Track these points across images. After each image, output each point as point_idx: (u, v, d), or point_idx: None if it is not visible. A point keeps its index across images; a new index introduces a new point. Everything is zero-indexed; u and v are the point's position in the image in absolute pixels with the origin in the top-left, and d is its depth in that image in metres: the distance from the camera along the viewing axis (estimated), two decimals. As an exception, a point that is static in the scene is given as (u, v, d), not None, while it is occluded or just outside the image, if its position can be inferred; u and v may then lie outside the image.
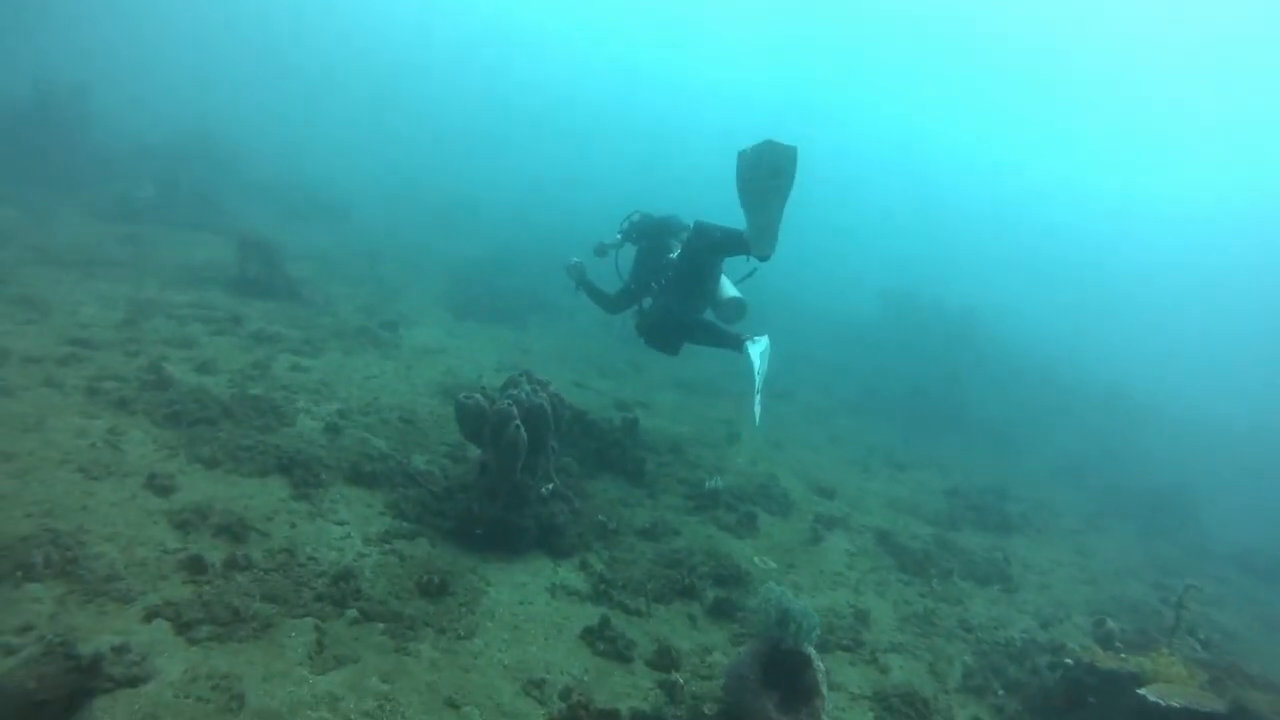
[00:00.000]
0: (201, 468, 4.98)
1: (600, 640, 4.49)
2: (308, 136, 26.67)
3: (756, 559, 6.31)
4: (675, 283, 6.90)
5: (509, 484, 5.18)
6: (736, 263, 6.89)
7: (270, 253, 9.86)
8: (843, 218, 42.62)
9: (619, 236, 7.58)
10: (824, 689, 3.95)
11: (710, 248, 6.79)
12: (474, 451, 5.75)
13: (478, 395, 5.30)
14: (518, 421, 5.00)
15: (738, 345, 6.66)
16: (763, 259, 6.53)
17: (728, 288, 7.12)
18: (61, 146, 13.61)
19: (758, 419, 6.41)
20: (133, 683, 3.16)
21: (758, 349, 6.65)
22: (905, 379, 17.16)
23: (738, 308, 7.19)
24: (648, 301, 7.05)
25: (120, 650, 3.24)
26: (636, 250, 7.29)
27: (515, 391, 5.29)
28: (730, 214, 6.56)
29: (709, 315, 7.53)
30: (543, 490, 5.46)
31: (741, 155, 6.26)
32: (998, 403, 17.76)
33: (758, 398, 6.53)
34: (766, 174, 6.20)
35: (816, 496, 8.33)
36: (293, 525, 4.71)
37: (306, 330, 8.56)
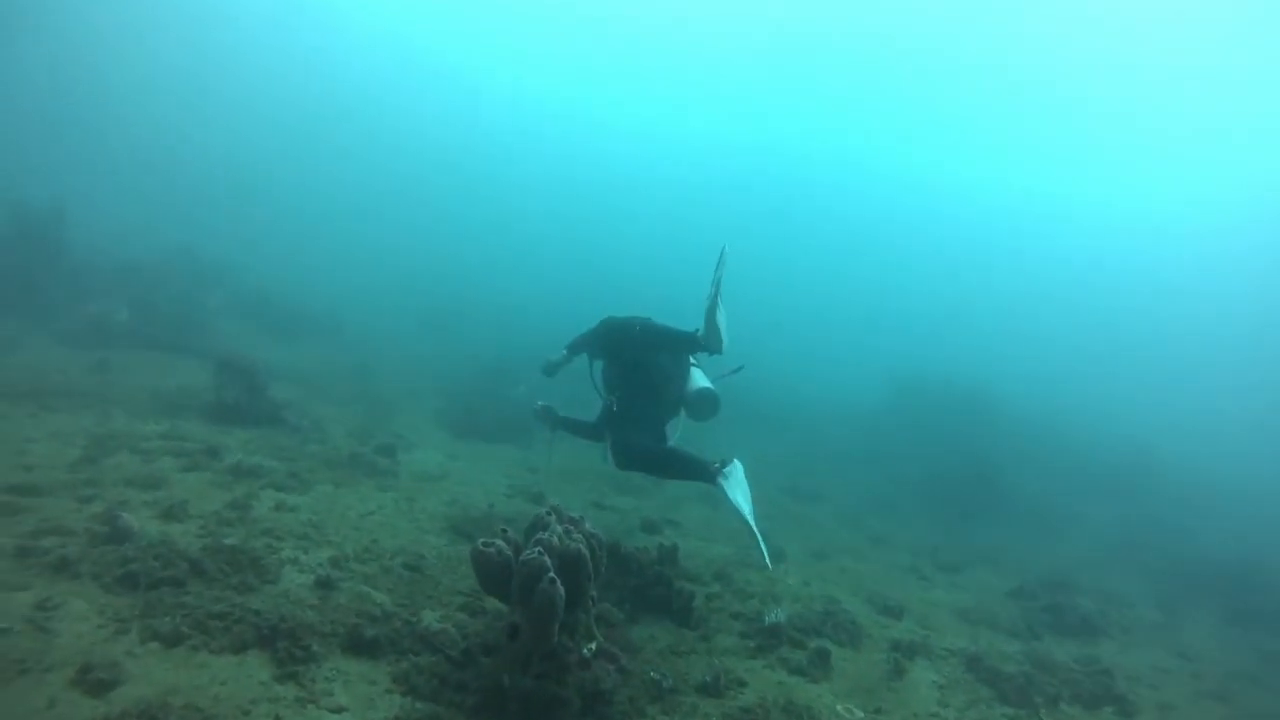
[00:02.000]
0: (159, 647, 3.94)
1: None
2: (294, 246, 26.25)
3: (840, 708, 5.23)
4: (626, 397, 6.54)
5: (545, 649, 4.16)
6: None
7: (251, 375, 8.99)
8: (833, 301, 42.56)
9: (565, 352, 7.25)
10: None
11: (644, 345, 6.63)
12: (494, 601, 4.77)
13: (499, 541, 4.33)
14: (552, 575, 4.02)
15: (710, 478, 5.98)
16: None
17: (698, 380, 6.69)
18: (42, 272, 12.89)
19: (767, 560, 5.90)
20: None
21: (733, 482, 6.03)
22: (927, 465, 16.41)
23: (709, 402, 6.64)
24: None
25: None
26: (603, 366, 6.97)
27: (544, 535, 4.32)
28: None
29: (680, 421, 6.92)
30: (584, 651, 4.43)
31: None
32: (1026, 479, 16.91)
33: (758, 535, 5.91)
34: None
35: (884, 618, 7.27)
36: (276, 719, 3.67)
37: (292, 461, 7.59)
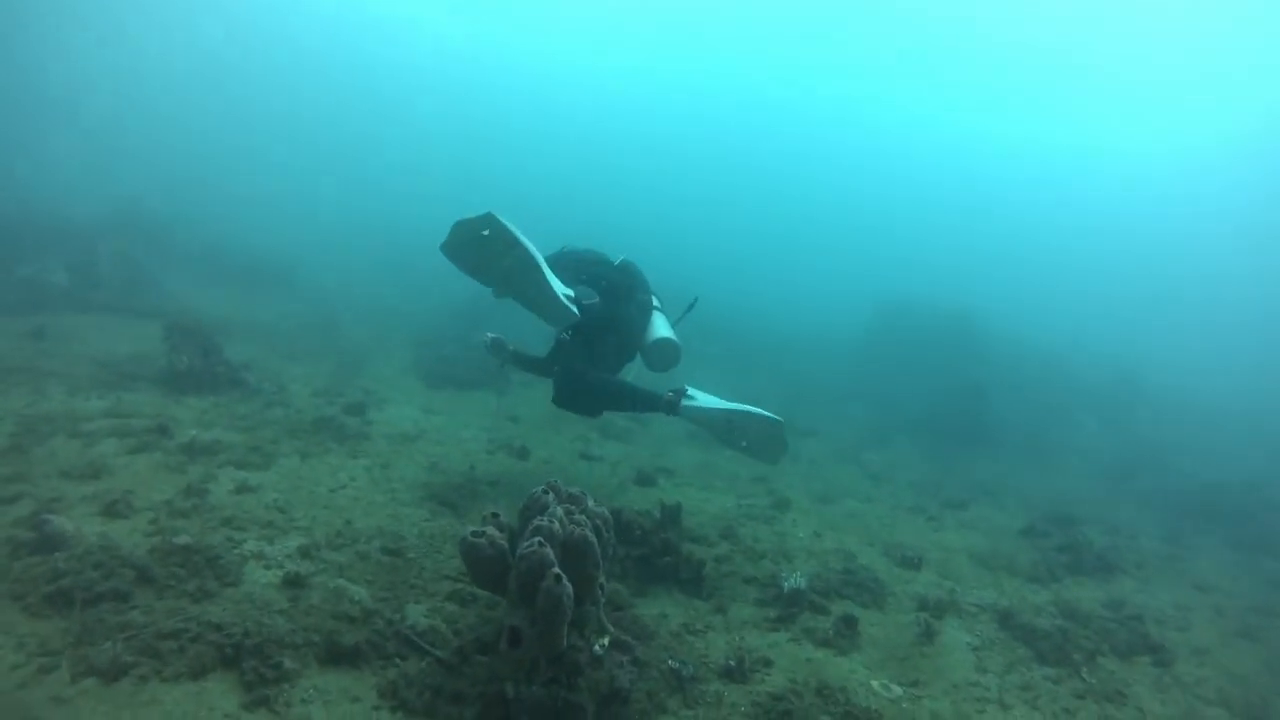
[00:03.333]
0: (97, 684, 3.32)
1: None
2: (249, 195, 24.94)
3: (876, 684, 4.77)
4: (585, 333, 6.24)
5: (553, 653, 3.61)
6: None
7: (205, 336, 8.22)
8: (813, 229, 41.88)
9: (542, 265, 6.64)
10: None
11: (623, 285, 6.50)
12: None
13: (489, 530, 3.73)
14: (557, 571, 3.44)
15: (668, 408, 5.80)
16: (566, 330, 6.20)
17: (659, 328, 6.46)
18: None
19: (777, 417, 5.95)
20: None
21: (702, 397, 5.87)
22: (918, 395, 16.24)
23: (669, 350, 6.42)
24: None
25: None
26: None
27: (543, 521, 3.72)
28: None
29: (636, 364, 6.72)
30: (596, 648, 3.89)
31: (444, 249, 5.98)
32: (1015, 407, 16.66)
33: (752, 409, 5.82)
34: (488, 256, 5.80)
35: (902, 570, 6.82)
36: (245, 762, 3.10)
37: (253, 431, 6.89)
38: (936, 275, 31.05)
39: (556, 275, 6.47)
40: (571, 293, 6.31)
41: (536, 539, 3.56)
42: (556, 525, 3.72)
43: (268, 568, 4.51)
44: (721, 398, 6.14)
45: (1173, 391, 20.75)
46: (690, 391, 5.98)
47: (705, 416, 5.95)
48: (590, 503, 4.09)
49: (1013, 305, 27.05)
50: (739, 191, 49.22)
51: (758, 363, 18.61)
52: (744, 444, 6.28)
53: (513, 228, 5.80)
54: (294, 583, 4.36)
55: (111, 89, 31.25)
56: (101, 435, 6.04)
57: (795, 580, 5.61)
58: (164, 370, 7.94)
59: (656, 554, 5.46)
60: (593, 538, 3.76)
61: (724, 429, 6.15)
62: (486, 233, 5.72)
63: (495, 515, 3.89)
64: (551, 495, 3.99)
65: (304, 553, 4.76)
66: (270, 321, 12.23)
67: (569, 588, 3.46)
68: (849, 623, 5.35)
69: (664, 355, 6.56)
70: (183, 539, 4.44)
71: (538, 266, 5.95)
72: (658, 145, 52.85)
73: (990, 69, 56.25)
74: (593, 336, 6.34)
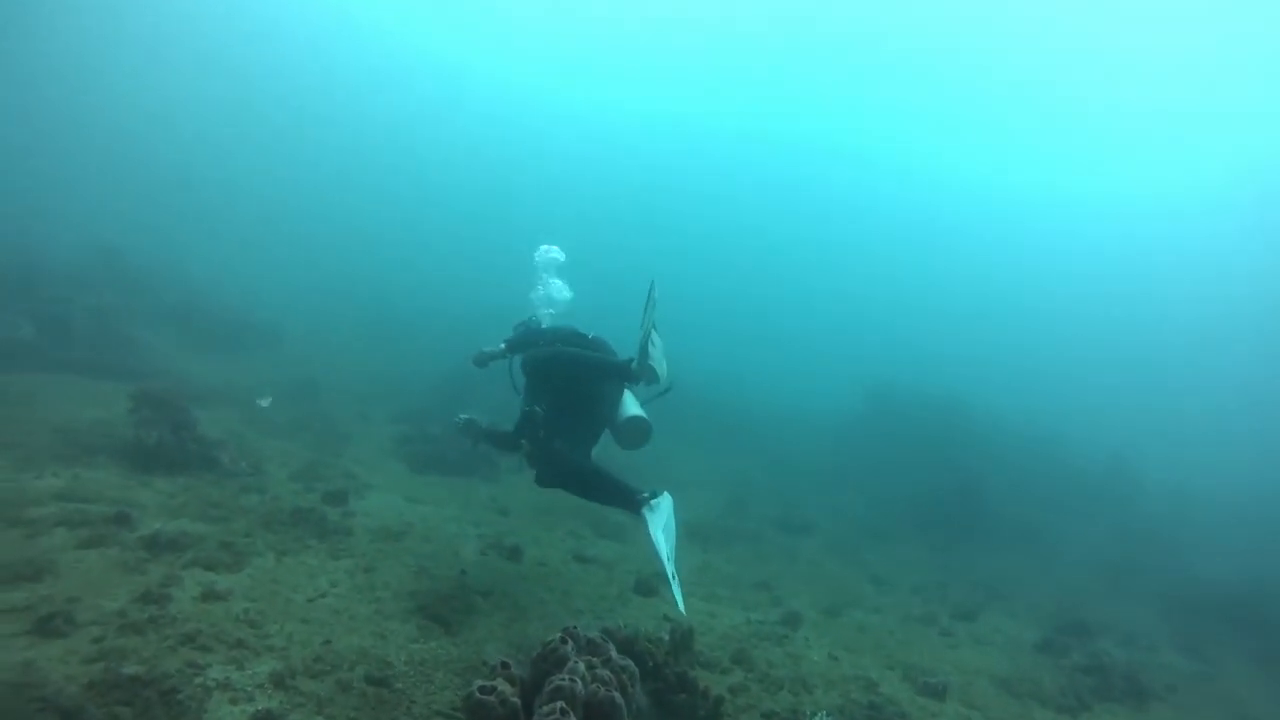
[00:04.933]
0: None
1: None
2: (234, 250, 24.44)
3: None
4: (559, 410, 6.06)
5: (575, 840, 3.04)
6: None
7: (177, 409, 7.63)
8: (798, 308, 41.99)
9: (503, 345, 6.87)
10: None
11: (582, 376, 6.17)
12: None
13: (500, 685, 3.18)
14: (588, 747, 2.90)
15: (634, 507, 5.50)
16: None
17: (629, 406, 6.28)
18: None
19: (681, 605, 5.38)
20: None
21: (659, 517, 5.43)
22: (910, 484, 15.96)
23: (639, 430, 6.20)
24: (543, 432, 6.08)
25: None
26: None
27: (564, 680, 3.18)
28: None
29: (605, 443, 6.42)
30: (621, 825, 3.31)
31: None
32: (1008, 495, 16.35)
33: (673, 581, 5.30)
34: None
35: (927, 700, 6.27)
36: None
37: (226, 522, 6.27)
38: (923, 359, 30.98)
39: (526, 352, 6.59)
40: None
41: (559, 704, 3.02)
42: (579, 685, 3.18)
43: (234, 701, 3.88)
44: (673, 536, 5.60)
45: (1167, 480, 20.50)
46: (656, 504, 5.50)
47: (647, 539, 5.45)
48: (613, 652, 3.56)
49: (1002, 391, 26.91)
50: (722, 265, 49.40)
51: (743, 443, 18.21)
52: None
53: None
54: (264, 723, 3.75)
55: (87, 135, 30.82)
56: (50, 524, 5.40)
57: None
58: (130, 444, 7.31)
59: (671, 689, 4.88)
60: (620, 699, 3.23)
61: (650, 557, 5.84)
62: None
63: (505, 665, 3.35)
64: (570, 645, 3.46)
65: (277, 681, 4.14)
66: (249, 388, 11.63)
67: (599, 767, 2.92)
68: (881, 772, 4.78)
69: (634, 434, 6.29)
70: (131, 668, 3.83)
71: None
72: (646, 207, 53.10)
73: (981, 122, 57.03)
74: (566, 412, 6.12)
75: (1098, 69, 51.63)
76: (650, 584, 7.58)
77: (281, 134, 42.17)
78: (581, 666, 3.31)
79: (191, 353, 13.22)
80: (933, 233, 53.71)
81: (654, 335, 5.84)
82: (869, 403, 22.01)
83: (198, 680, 3.96)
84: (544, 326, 7.14)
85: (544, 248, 8.04)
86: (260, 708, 3.85)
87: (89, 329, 11.55)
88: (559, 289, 7.93)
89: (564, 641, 3.45)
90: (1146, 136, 53.00)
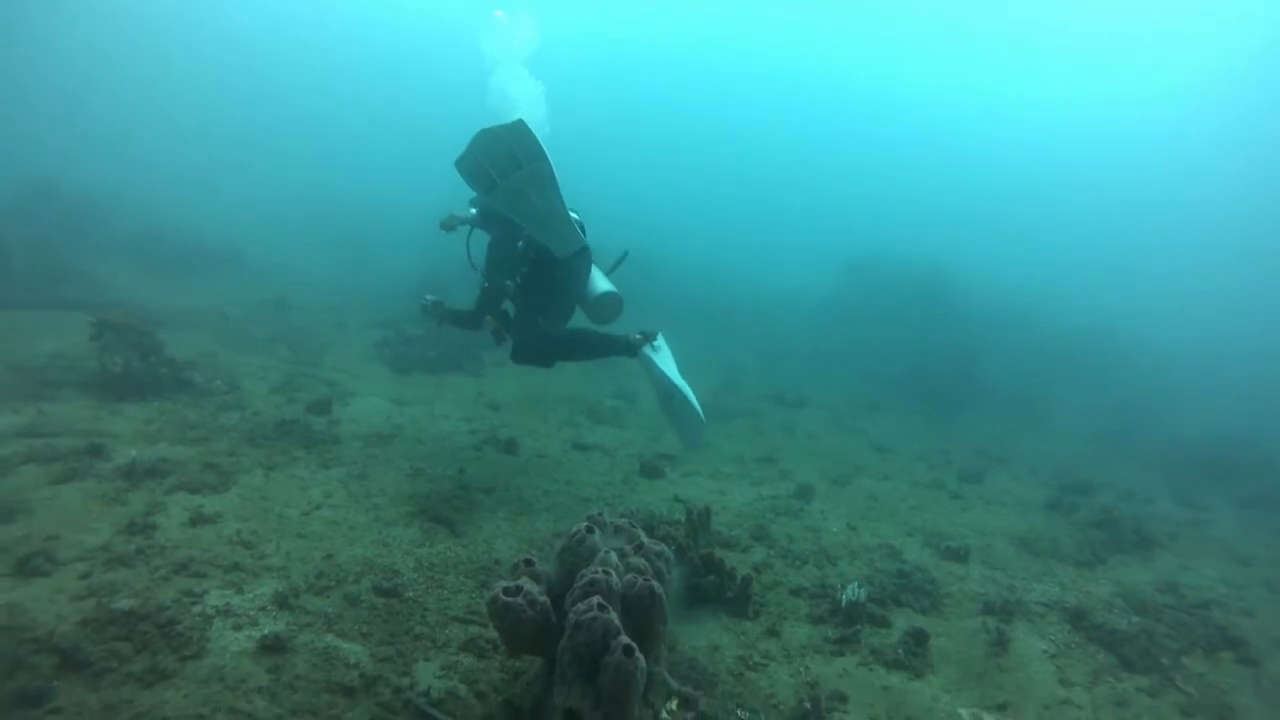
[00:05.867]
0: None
1: None
2: (180, 174, 23.23)
3: (965, 713, 4.09)
4: (532, 285, 5.99)
5: (621, 737, 2.82)
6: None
7: (141, 332, 7.16)
8: (778, 187, 41.22)
9: (473, 211, 6.66)
10: None
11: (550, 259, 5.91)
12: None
13: (526, 583, 2.91)
14: (626, 641, 2.64)
15: (629, 350, 5.77)
16: (565, 256, 5.76)
17: (599, 282, 6.31)
18: None
19: (702, 415, 5.86)
20: None
21: (662, 353, 5.78)
22: (900, 358, 16.05)
23: (612, 304, 6.24)
24: (509, 306, 6.20)
25: None
26: (489, 239, 6.42)
27: (597, 573, 2.89)
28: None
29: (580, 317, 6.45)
30: (664, 716, 3.11)
31: (461, 164, 5.29)
32: (998, 365, 16.39)
33: (691, 398, 5.70)
34: (507, 168, 5.18)
35: (951, 564, 6.18)
36: None
37: (206, 443, 5.92)
38: (904, 231, 30.62)
39: (493, 222, 6.35)
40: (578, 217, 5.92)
41: (595, 600, 2.74)
42: (614, 577, 2.91)
43: (238, 627, 3.62)
44: (678, 370, 5.94)
45: (1150, 343, 20.68)
46: (659, 343, 5.82)
47: (655, 376, 5.78)
48: (644, 537, 3.28)
49: (983, 260, 26.73)
50: (701, 153, 48.17)
51: (730, 325, 17.99)
52: (669, 418, 6.33)
53: (539, 140, 5.17)
54: (273, 647, 3.49)
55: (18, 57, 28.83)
56: (17, 462, 5.03)
57: (853, 592, 4.90)
58: (94, 374, 6.87)
59: (698, 572, 4.70)
60: (659, 589, 2.96)
61: (663, 398, 6.03)
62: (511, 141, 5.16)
63: (529, 563, 3.06)
64: (598, 533, 3.18)
65: (281, 602, 3.88)
66: (217, 308, 11.08)
67: (642, 661, 2.66)
68: (919, 638, 4.66)
69: (606, 308, 6.29)
70: (124, 602, 3.54)
71: (554, 180, 5.32)
72: (614, 108, 51.25)
73: (953, 27, 55.37)
74: (535, 288, 6.01)
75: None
76: (654, 466, 7.41)
77: (226, 61, 39.73)
78: (614, 556, 3.04)
79: (149, 280, 12.56)
80: (912, 147, 52.42)
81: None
82: (851, 275, 21.77)
83: (196, 609, 3.69)
84: None
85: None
86: (267, 631, 3.58)
87: (33, 263, 10.88)
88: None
89: (590, 530, 3.16)
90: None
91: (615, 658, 2.63)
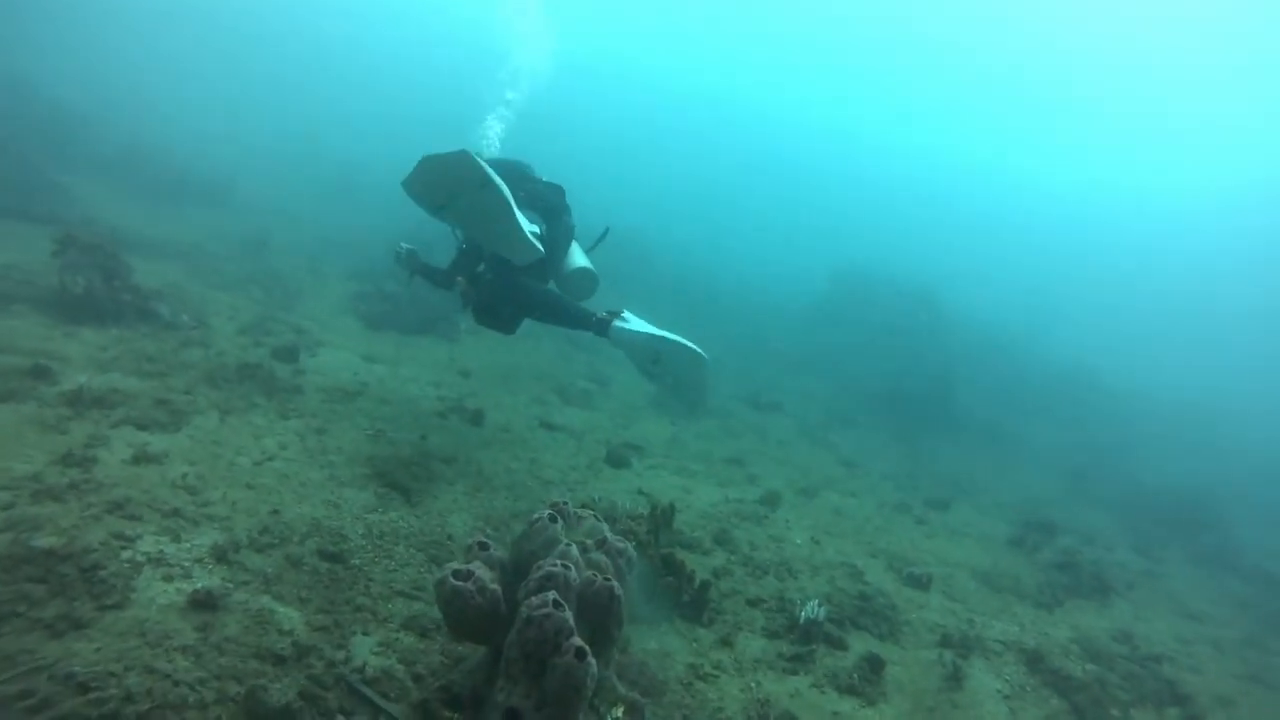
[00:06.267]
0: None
1: None
2: (174, 98, 22.55)
3: (912, 750, 3.99)
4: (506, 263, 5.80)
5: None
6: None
7: (109, 254, 6.86)
8: (770, 186, 41.10)
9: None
10: None
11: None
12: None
13: (478, 568, 2.73)
14: (579, 643, 2.47)
15: (599, 327, 5.56)
16: (527, 263, 5.61)
17: (576, 257, 6.22)
18: None
19: (701, 350, 5.46)
20: None
21: (632, 324, 5.56)
22: (874, 369, 16.18)
23: (587, 280, 6.14)
24: (482, 268, 6.04)
25: None
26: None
27: (553, 565, 2.72)
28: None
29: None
30: (609, 721, 2.95)
31: (407, 186, 5.31)
32: (974, 393, 16.36)
33: (680, 339, 5.43)
34: (455, 193, 5.18)
35: (912, 590, 6.10)
36: None
37: (163, 378, 5.65)
38: (895, 247, 30.56)
39: None
40: (537, 230, 5.71)
41: (550, 595, 2.57)
42: (570, 571, 2.74)
43: (169, 579, 3.40)
44: (653, 325, 5.66)
45: (1127, 388, 20.86)
46: (625, 314, 5.63)
47: (634, 341, 5.49)
48: (608, 532, 3.11)
49: (969, 285, 26.74)
50: (693, 148, 47.90)
51: (711, 321, 17.82)
52: (668, 380, 5.95)
53: (486, 167, 5.09)
54: (204, 603, 3.28)
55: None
56: (-43, 376, 4.76)
57: (813, 610, 4.78)
58: (53, 292, 6.56)
59: (656, 571, 4.54)
60: (619, 590, 2.80)
61: (649, 359, 5.70)
62: (453, 168, 5.09)
63: (483, 546, 2.88)
64: (560, 524, 3.00)
65: (219, 556, 3.67)
66: (193, 241, 10.70)
67: (593, 666, 2.50)
68: (875, 665, 4.55)
69: (581, 284, 6.17)
70: (45, 539, 3.31)
71: (509, 207, 5.16)
72: (604, 101, 50.85)
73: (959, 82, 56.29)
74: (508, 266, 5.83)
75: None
76: (620, 455, 7.25)
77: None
78: (575, 550, 2.87)
79: (128, 203, 12.12)
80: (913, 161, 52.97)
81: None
82: (837, 286, 21.65)
83: (125, 554, 3.46)
84: (491, 157, 6.66)
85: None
86: (199, 585, 3.37)
87: (3, 169, 10.43)
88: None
89: (553, 519, 2.98)
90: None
91: (566, 660, 2.46)
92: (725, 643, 4.44)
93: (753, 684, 4.10)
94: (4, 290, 6.43)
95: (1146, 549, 10.01)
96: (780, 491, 7.56)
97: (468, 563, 2.78)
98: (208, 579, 3.47)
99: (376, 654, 3.34)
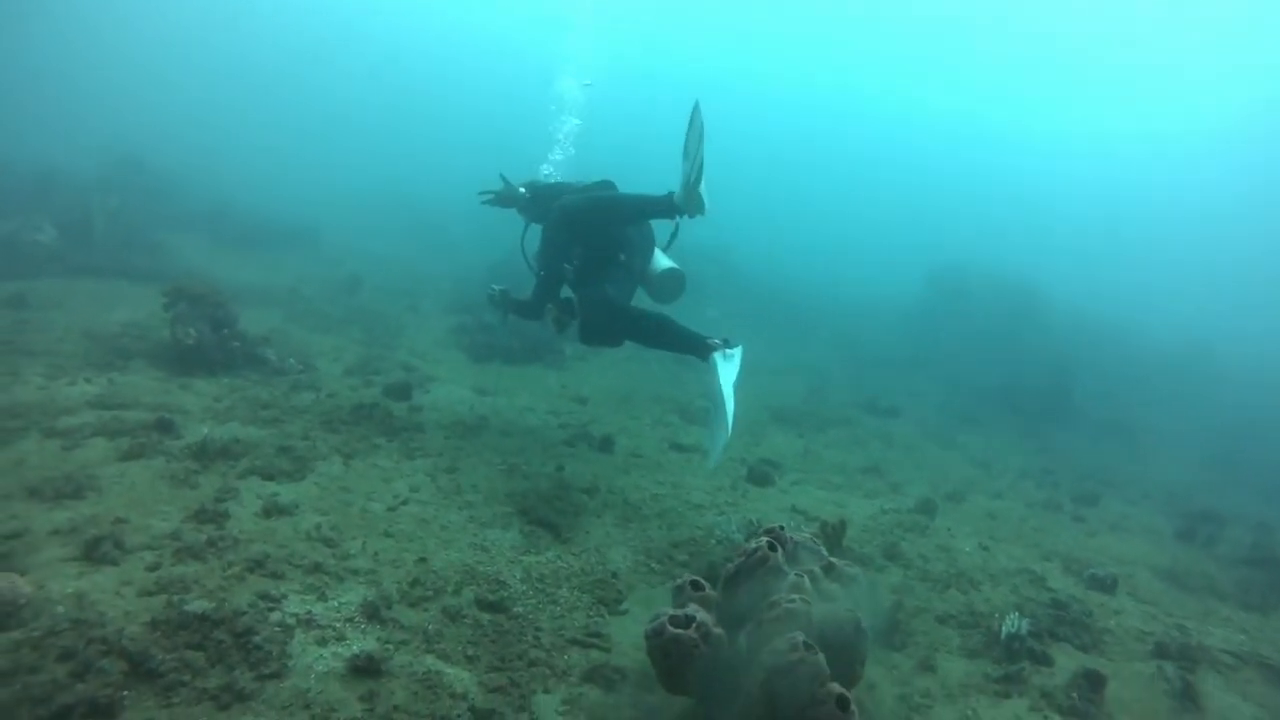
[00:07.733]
0: None
1: None
2: (255, 156, 23.17)
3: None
4: (591, 264, 5.61)
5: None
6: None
7: (215, 304, 6.75)
8: (867, 197, 40.31)
9: (523, 190, 6.48)
10: None
11: (617, 219, 5.65)
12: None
13: (697, 612, 2.31)
14: (840, 691, 2.03)
15: (703, 352, 5.07)
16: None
17: (661, 259, 5.99)
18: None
19: (723, 445, 4.87)
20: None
21: (731, 365, 4.96)
22: (985, 366, 15.21)
23: (675, 281, 5.88)
24: (566, 292, 5.81)
25: None
26: (542, 229, 6.02)
27: (786, 600, 2.28)
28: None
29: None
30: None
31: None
32: (1091, 382, 15.32)
33: (729, 428, 4.73)
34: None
35: (1096, 593, 5.45)
36: None
37: (280, 424, 5.43)
38: (987, 242, 29.25)
39: (538, 206, 6.21)
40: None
41: (799, 639, 2.12)
42: (811, 607, 2.29)
43: (323, 642, 3.08)
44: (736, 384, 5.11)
45: (1249, 363, 19.35)
46: (733, 352, 5.08)
47: (712, 382, 5.03)
48: (838, 562, 2.65)
49: (1068, 275, 25.39)
50: (783, 151, 47.18)
51: (808, 328, 17.20)
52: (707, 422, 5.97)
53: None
54: (365, 669, 2.94)
55: (101, 41, 29.22)
56: (87, 433, 4.60)
57: (1014, 624, 4.22)
58: (166, 345, 6.48)
59: (883, 597, 4.05)
60: (864, 623, 2.34)
61: (709, 409, 5.62)
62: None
63: (697, 585, 2.47)
64: (780, 553, 2.55)
65: (370, 613, 3.34)
66: (288, 286, 10.71)
67: (856, 718, 2.04)
68: (1094, 682, 3.96)
69: (669, 286, 5.89)
70: (197, 604, 3.03)
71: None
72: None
73: (1059, 62, 54.18)
74: (598, 267, 5.58)
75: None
76: (763, 471, 6.80)
77: (305, 48, 40.03)
78: (806, 581, 2.42)
79: (224, 255, 12.28)
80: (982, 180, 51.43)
81: (701, 176, 5.09)
82: (935, 285, 20.81)
83: (274, 616, 3.17)
84: (551, 182, 6.64)
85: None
86: (357, 650, 3.04)
87: (113, 232, 10.64)
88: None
89: (773, 546, 2.54)
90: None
91: (825, 710, 2.01)
92: (926, 667, 3.92)
93: (969, 712, 3.57)
94: (123, 346, 6.40)
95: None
96: (932, 499, 6.96)
97: (679, 606, 2.36)
98: (363, 641, 3.14)
99: (562, 714, 2.95)
